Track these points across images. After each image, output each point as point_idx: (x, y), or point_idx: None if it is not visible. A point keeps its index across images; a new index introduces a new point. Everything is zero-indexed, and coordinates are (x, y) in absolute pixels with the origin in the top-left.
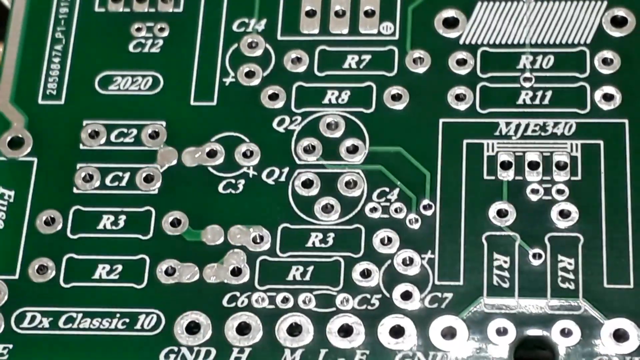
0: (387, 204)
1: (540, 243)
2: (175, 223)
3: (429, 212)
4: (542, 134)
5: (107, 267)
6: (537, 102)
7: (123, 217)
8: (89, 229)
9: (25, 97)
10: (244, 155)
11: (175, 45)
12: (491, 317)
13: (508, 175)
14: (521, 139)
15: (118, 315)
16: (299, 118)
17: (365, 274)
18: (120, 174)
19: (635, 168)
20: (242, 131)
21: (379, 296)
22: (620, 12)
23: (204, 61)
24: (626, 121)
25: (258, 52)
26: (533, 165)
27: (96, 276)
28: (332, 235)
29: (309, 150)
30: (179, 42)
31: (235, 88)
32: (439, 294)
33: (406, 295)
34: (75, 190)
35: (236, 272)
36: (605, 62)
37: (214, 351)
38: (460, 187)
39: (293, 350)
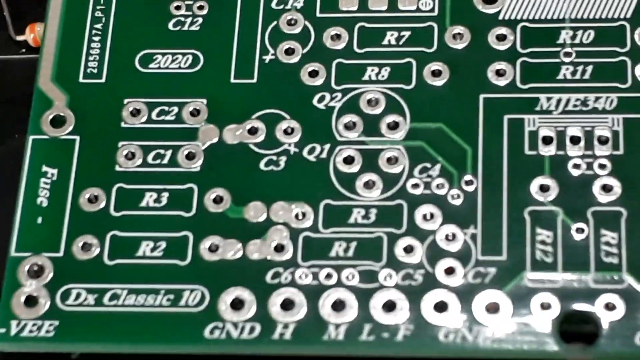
0: (429, 179)
1: (582, 217)
2: (218, 200)
3: (470, 188)
4: (583, 108)
5: (151, 244)
6: (577, 76)
7: (165, 194)
8: (132, 206)
9: (66, 76)
10: (285, 132)
11: (215, 23)
12: (535, 291)
13: (550, 150)
14: (562, 114)
15: (162, 291)
16: (339, 95)
17: (408, 249)
18: (162, 151)
19: None
20: (283, 108)
21: (422, 272)
22: None
23: (243, 39)
24: None
25: (297, 30)
26: (575, 140)
27: (140, 253)
28: (374, 211)
29: (349, 126)
30: (218, 20)
31: (275, 65)
32: (482, 269)
33: (449, 271)
34: (117, 168)
35: (279, 248)
36: None
37: (258, 327)
38: (502, 163)
39: (337, 326)
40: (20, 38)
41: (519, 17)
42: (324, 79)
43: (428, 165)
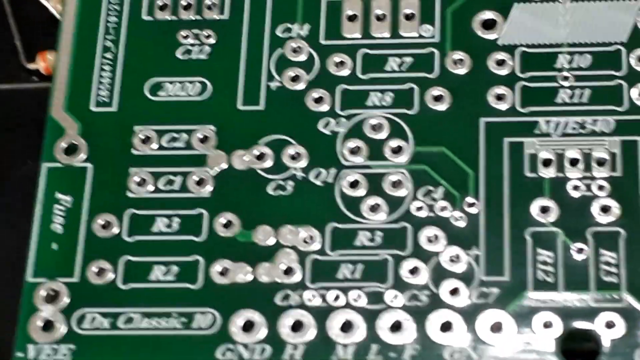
0: (433, 202)
1: (582, 238)
2: (227, 224)
3: (473, 210)
4: (582, 131)
5: (163, 268)
6: (575, 100)
7: (177, 219)
8: (144, 231)
9: (78, 104)
10: (292, 157)
11: (222, 52)
12: (537, 310)
13: (549, 173)
14: (561, 137)
15: (175, 314)
16: (344, 120)
17: (414, 271)
18: (172, 177)
19: None
20: (289, 134)
21: (428, 292)
22: None
23: (250, 66)
24: None
25: (302, 57)
26: (573, 162)
27: (152, 277)
28: (379, 234)
29: (354, 151)
30: (225, 49)
31: (281, 92)
32: (486, 289)
33: (454, 291)
34: (129, 195)
35: (288, 271)
36: None
37: (269, 348)
38: (503, 185)
39: (345, 346)
40: (31, 66)
41: (517, 43)
42: (328, 104)
43: (431, 188)
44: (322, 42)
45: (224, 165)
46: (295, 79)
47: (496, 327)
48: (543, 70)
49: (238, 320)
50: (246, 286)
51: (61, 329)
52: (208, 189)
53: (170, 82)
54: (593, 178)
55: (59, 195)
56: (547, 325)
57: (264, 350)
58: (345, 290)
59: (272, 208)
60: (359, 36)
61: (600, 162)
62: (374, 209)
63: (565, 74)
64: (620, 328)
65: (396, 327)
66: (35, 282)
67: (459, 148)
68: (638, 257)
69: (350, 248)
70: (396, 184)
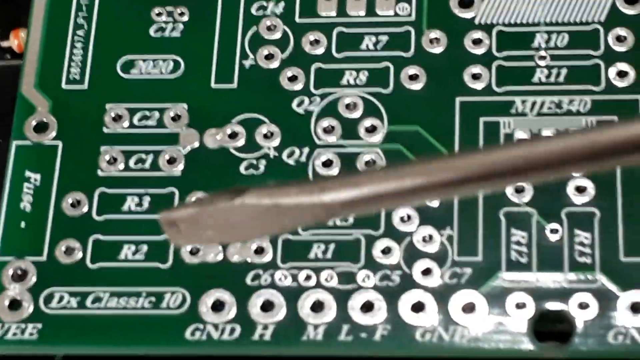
0: None
1: (557, 218)
2: None
3: None
4: (558, 111)
5: (133, 247)
6: (552, 79)
7: (147, 198)
8: (114, 210)
9: (49, 82)
10: (265, 136)
11: (195, 29)
12: (510, 291)
13: None
14: (537, 117)
15: (144, 294)
16: (318, 99)
17: (386, 251)
18: (143, 156)
19: None
20: (263, 113)
21: (400, 273)
22: None
23: (223, 44)
24: None
25: (277, 35)
26: None
27: (122, 256)
28: None
29: (328, 130)
30: (198, 26)
31: (254, 70)
32: (458, 270)
33: (426, 272)
34: (99, 173)
35: (259, 250)
36: (619, 39)
37: (238, 328)
38: None
39: (316, 327)
40: (4, 44)
41: (494, 22)
42: (303, 83)
43: None
44: (297, 20)
45: (196, 144)
46: (269, 57)
47: (469, 308)
48: (520, 50)
49: (208, 300)
50: (216, 266)
51: (29, 308)
52: (180, 167)
53: (143, 60)
54: None
55: (29, 174)
56: (520, 306)
57: (233, 330)
58: (316, 270)
59: None
60: (334, 14)
61: None
62: None
63: (542, 53)
64: (594, 309)
65: (367, 307)
66: (2, 261)
67: (434, 128)
68: (612, 238)
69: (323, 228)
70: (370, 164)
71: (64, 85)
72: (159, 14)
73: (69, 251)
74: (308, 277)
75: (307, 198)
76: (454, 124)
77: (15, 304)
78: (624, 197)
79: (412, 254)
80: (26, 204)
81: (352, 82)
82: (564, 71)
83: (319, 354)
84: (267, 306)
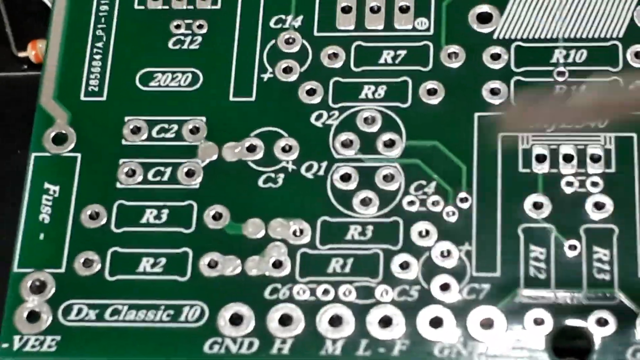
0: (425, 197)
1: (575, 235)
2: (217, 217)
3: (465, 205)
4: (576, 126)
5: (151, 260)
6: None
7: (166, 211)
8: (132, 223)
9: (68, 93)
10: (283, 149)
11: (214, 42)
12: (528, 307)
13: (543, 168)
14: (555, 132)
15: (162, 307)
16: (337, 113)
17: (404, 266)
18: (162, 168)
19: None
20: (281, 126)
21: (418, 288)
22: None
23: (242, 57)
24: None
25: (295, 48)
26: (567, 158)
27: (140, 269)
28: (370, 228)
29: (346, 144)
30: (217, 39)
31: (273, 84)
32: (477, 285)
33: (444, 287)
34: (118, 185)
35: (277, 264)
36: (638, 55)
37: (257, 342)
38: (496, 180)
39: (334, 341)
40: (22, 54)
41: (513, 37)
42: (321, 97)
43: (423, 182)
44: (316, 34)
45: (215, 157)
46: (287, 70)
47: (487, 324)
48: (538, 65)
49: (226, 313)
50: (235, 279)
51: (47, 320)
52: (198, 180)
53: (162, 72)
54: (587, 174)
55: (47, 185)
56: (539, 322)
57: (251, 344)
58: (335, 285)
59: (262, 201)
60: (353, 28)
61: (595, 159)
62: (365, 202)
63: (560, 69)
64: (612, 326)
65: (386, 322)
66: (21, 273)
67: (452, 142)
68: (631, 254)
69: (341, 242)
70: (388, 178)
71: (82, 97)
72: (178, 27)
73: (87, 263)
74: (326, 292)
75: None
76: (472, 139)
77: (34, 316)
78: None
79: (430, 269)
80: (45, 215)
81: (370, 96)
82: (582, 87)
83: None
84: (285, 320)
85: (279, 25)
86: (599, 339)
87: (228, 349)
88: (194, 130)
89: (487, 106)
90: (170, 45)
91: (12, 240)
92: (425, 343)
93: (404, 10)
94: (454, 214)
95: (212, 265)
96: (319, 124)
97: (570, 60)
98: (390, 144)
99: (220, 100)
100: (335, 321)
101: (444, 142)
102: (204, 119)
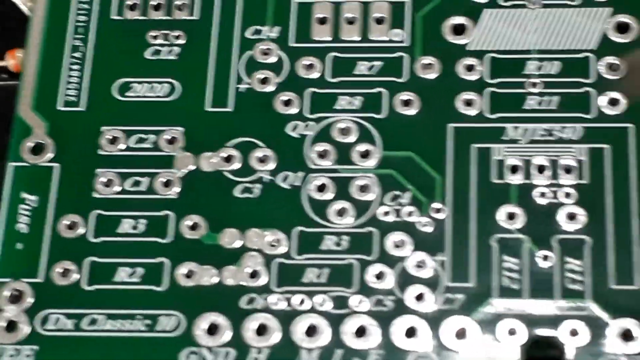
0: (400, 207)
1: (548, 245)
2: (194, 227)
3: (440, 215)
4: (549, 138)
5: (128, 270)
6: (543, 107)
7: (143, 221)
8: (109, 233)
9: (45, 103)
10: (260, 160)
11: (191, 53)
12: (501, 317)
13: (516, 179)
14: (529, 144)
15: (139, 317)
16: (313, 123)
17: (379, 276)
18: (139, 178)
19: None
20: (257, 136)
21: (393, 298)
22: (625, 18)
23: (219, 68)
24: (631, 126)
25: (272, 59)
26: (541, 169)
27: (117, 279)
28: (346, 238)
29: (322, 155)
30: (194, 50)
31: (249, 94)
32: (451, 295)
33: (419, 297)
34: (95, 195)
35: (253, 274)
36: (611, 67)
37: (233, 352)
38: (470, 191)
39: (309, 351)
40: (0, 64)
41: (487, 48)
42: (297, 107)
43: (398, 193)
44: (292, 44)
45: (192, 167)
46: (264, 81)
47: (461, 334)
48: (512, 77)
49: (202, 323)
50: (211, 289)
51: (24, 329)
52: (175, 190)
53: (139, 83)
54: (560, 185)
55: (25, 195)
56: (512, 332)
57: (228, 353)
58: (310, 295)
59: (238, 211)
60: (329, 39)
61: (568, 170)
62: (341, 213)
63: (534, 80)
64: (585, 336)
65: (361, 332)
66: None
67: (427, 153)
68: (603, 265)
69: (317, 252)
70: (364, 189)
71: (60, 107)
72: (155, 37)
73: (65, 273)
74: (302, 302)
75: None
76: (446, 150)
77: (11, 326)
78: (615, 225)
79: (405, 279)
80: (22, 225)
81: (346, 106)
82: (555, 98)
83: None
84: (261, 330)
85: (256, 36)
86: (572, 349)
87: (204, 358)
88: (171, 141)
89: (462, 117)
90: (147, 55)
91: None
92: (399, 353)
93: (379, 21)
94: (428, 224)
95: (189, 275)
96: (295, 134)
97: (543, 71)
98: (365, 155)
99: (197, 111)
100: (311, 331)
101: (419, 153)
102: (181, 129)
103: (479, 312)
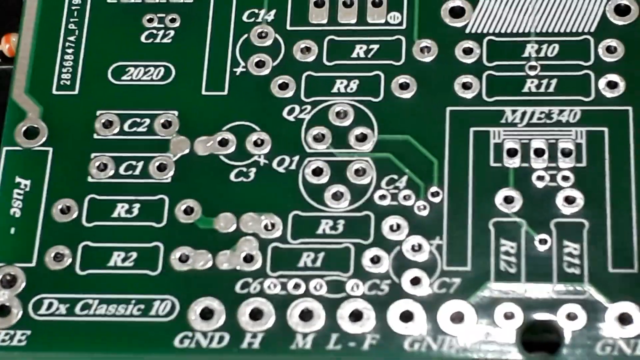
0: (396, 191)
1: (546, 229)
2: (189, 211)
3: (437, 199)
4: (548, 121)
5: (122, 254)
6: (542, 90)
7: (137, 205)
8: (103, 217)
9: (39, 87)
10: (255, 144)
11: (187, 36)
12: (498, 301)
13: (514, 163)
14: (527, 127)
15: (133, 301)
16: (309, 107)
17: (375, 260)
18: (133, 163)
19: (639, 154)
20: (253, 120)
21: (389, 282)
22: (624, 0)
23: (214, 51)
24: (630, 108)
25: (268, 42)
26: (539, 153)
27: (111, 263)
28: (342, 222)
29: (318, 138)
30: (190, 33)
31: (245, 78)
32: (447, 279)
33: (415, 281)
34: (89, 179)
35: (248, 259)
36: (609, 50)
37: (227, 336)
38: (468, 174)
39: (305, 335)
40: None
41: (485, 31)
42: (293, 91)
43: (395, 176)
44: (289, 27)
45: (186, 151)
46: (260, 64)
47: (457, 318)
48: (510, 60)
49: (197, 307)
50: (206, 273)
51: (17, 314)
52: (169, 174)
53: (134, 66)
54: (558, 169)
55: (19, 179)
56: (509, 316)
57: (222, 338)
58: (306, 279)
59: (234, 195)
60: (326, 22)
61: (566, 153)
62: (336, 197)
63: (532, 63)
64: (582, 320)
65: (356, 316)
66: None
67: (424, 137)
68: (601, 248)
69: (312, 236)
70: (360, 172)
71: (54, 91)
72: (150, 20)
73: (58, 257)
74: (297, 286)
75: None
76: (444, 133)
77: (3, 310)
78: (613, 208)
79: (401, 263)
80: (16, 209)
81: (342, 90)
82: (554, 81)
83: None
84: (256, 314)
85: (252, 19)
86: (569, 333)
87: (198, 343)
88: (166, 124)
89: (459, 100)
90: (142, 39)
91: None
92: (395, 337)
93: (376, 4)
94: (425, 208)
95: (183, 259)
96: (291, 118)
97: (542, 54)
98: (362, 138)
99: (192, 94)
100: (306, 315)
101: (416, 137)
102: (176, 112)
103: (476, 296)
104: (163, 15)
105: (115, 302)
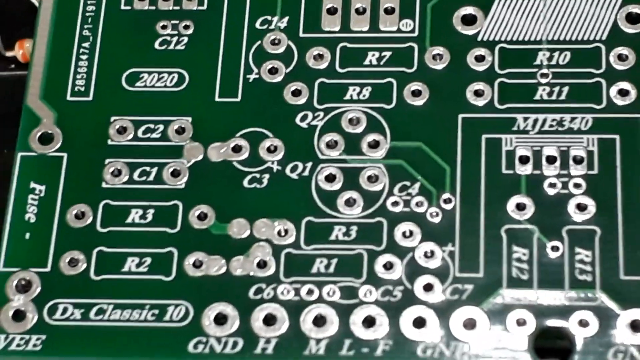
0: (408, 197)
1: (558, 236)
2: (202, 217)
3: (449, 206)
4: (559, 128)
5: (136, 259)
6: (554, 97)
7: (151, 211)
8: (118, 222)
9: (54, 93)
10: (268, 150)
11: (200, 43)
12: (511, 308)
13: (526, 170)
14: (538, 134)
15: (147, 306)
16: (322, 114)
17: (388, 266)
18: (147, 168)
19: None
20: (266, 127)
21: (401, 288)
22: (635, 9)
23: (228, 58)
24: None
25: (281, 49)
26: (550, 160)
27: (125, 269)
28: (354, 228)
29: (331, 145)
30: (203, 40)
31: (258, 84)
32: (460, 286)
33: (428, 287)
34: (104, 185)
35: (262, 264)
36: (621, 58)
37: (241, 342)
38: (480, 181)
39: (318, 341)
40: (9, 54)
41: (497, 39)
42: (306, 98)
43: (407, 183)
44: (301, 35)
45: (200, 157)
46: (273, 71)
47: (470, 324)
48: (522, 67)
49: (211, 313)
50: (219, 279)
51: (32, 319)
52: (183, 180)
53: (148, 73)
54: (570, 176)
55: (33, 185)
56: (521, 322)
57: (236, 343)
58: (319, 285)
59: (247, 201)
60: (338, 29)
61: (578, 160)
62: (349, 203)
63: (544, 70)
64: (594, 327)
65: (369, 322)
66: (7, 272)
67: (436, 144)
68: (612, 255)
69: (325, 242)
70: (372, 179)
71: (69, 97)
72: (164, 27)
73: (73, 263)
74: (310, 292)
75: None
76: (456, 140)
77: (19, 315)
78: (625, 216)
79: (414, 270)
80: (31, 215)
81: (355, 97)
82: (565, 89)
83: None
84: (269, 320)
85: (265, 26)
86: (581, 339)
87: (212, 348)
88: (180, 131)
89: (471, 108)
90: (156, 45)
91: None
92: (408, 343)
93: (389, 11)
94: (437, 214)
95: (197, 265)
96: (304, 124)
97: (553, 62)
98: (374, 145)
99: (205, 101)
100: (319, 321)
101: (428, 143)
102: (189, 119)
103: (488, 303)
104: (176, 22)
105: (129, 307)
